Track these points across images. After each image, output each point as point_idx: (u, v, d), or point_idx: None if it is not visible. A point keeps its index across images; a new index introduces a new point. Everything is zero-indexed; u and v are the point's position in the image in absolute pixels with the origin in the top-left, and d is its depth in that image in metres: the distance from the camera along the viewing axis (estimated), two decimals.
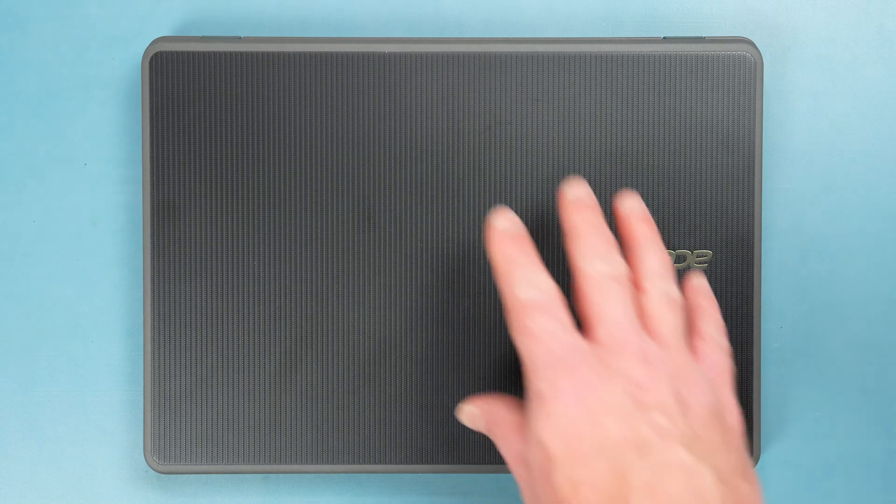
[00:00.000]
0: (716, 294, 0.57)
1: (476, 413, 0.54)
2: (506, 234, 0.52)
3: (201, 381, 0.58)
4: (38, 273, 0.61)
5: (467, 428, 0.57)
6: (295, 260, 0.58)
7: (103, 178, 0.61)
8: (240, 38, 0.59)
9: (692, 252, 0.58)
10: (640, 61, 0.58)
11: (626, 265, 0.51)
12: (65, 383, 0.61)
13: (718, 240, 0.58)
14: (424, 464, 0.58)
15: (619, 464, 0.46)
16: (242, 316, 0.58)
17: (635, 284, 0.52)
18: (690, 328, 0.54)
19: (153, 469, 0.59)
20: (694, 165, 0.58)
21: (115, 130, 0.61)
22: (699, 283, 0.55)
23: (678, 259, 0.58)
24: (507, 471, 0.58)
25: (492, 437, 0.54)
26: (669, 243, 0.58)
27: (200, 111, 0.58)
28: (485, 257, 0.58)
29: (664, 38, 0.59)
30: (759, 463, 0.60)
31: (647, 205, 0.58)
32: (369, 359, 0.58)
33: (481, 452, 0.58)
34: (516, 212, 0.57)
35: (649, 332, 0.50)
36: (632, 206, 0.54)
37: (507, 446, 0.52)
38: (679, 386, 0.48)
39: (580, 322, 0.51)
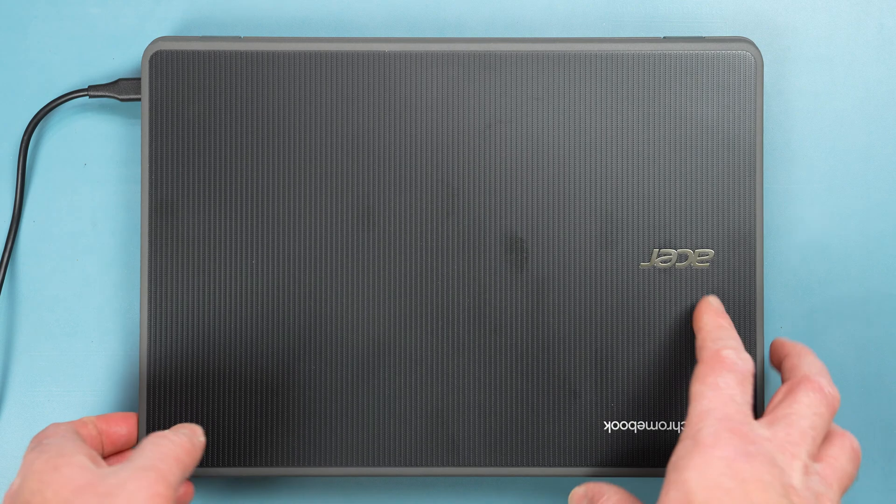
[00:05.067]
0: (717, 293, 0.57)
1: (580, 491, 0.56)
2: (720, 310, 0.56)
3: (198, 384, 0.58)
4: (38, 273, 0.61)
5: (467, 429, 0.57)
6: (294, 259, 0.58)
7: (103, 178, 0.61)
8: (240, 38, 0.59)
9: (694, 251, 0.58)
10: (640, 61, 0.58)
11: None
12: (65, 383, 0.61)
13: (720, 239, 0.58)
14: (424, 466, 0.58)
15: None
16: (240, 316, 0.58)
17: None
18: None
19: None
20: (695, 164, 0.58)
21: (114, 130, 0.61)
22: None
23: (680, 258, 0.58)
24: (506, 473, 0.58)
25: None
26: (671, 242, 0.58)
27: (200, 110, 0.58)
28: (485, 256, 0.58)
29: (664, 37, 0.59)
30: None
31: (649, 204, 0.58)
32: (369, 360, 0.58)
33: (482, 454, 0.58)
34: (517, 211, 0.57)
35: (818, 454, 0.51)
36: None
37: None
38: None
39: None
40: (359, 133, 0.58)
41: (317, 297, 0.58)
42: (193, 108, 0.58)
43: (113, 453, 0.57)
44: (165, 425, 0.58)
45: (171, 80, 0.58)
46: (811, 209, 0.62)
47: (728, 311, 0.57)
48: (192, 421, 0.58)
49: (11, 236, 0.61)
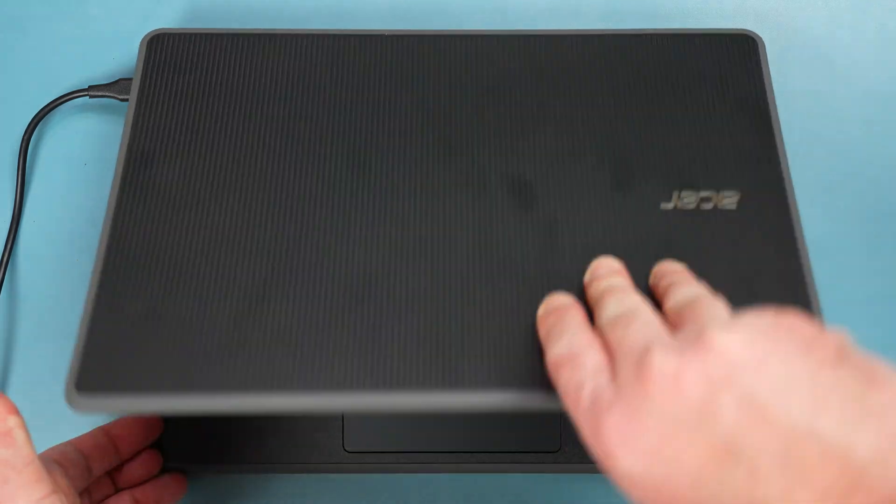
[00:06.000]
0: (749, 236, 0.52)
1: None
2: (548, 310, 0.50)
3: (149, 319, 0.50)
4: (38, 273, 0.61)
5: (469, 351, 0.50)
6: (287, 211, 0.53)
7: (103, 178, 0.61)
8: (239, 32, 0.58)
9: (718, 192, 0.54)
10: (645, 42, 0.57)
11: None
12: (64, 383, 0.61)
13: (745, 182, 0.54)
14: (422, 390, 0.49)
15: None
16: (213, 258, 0.52)
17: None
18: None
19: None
20: (711, 121, 0.55)
21: (114, 130, 0.61)
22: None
23: (703, 201, 0.53)
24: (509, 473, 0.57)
25: None
26: (692, 184, 0.54)
27: (190, 79, 0.56)
28: (491, 201, 0.53)
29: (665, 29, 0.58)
30: None
31: (666, 147, 0.55)
32: (363, 295, 0.51)
33: (484, 377, 0.49)
34: (515, 173, 0.54)
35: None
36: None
37: None
38: None
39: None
40: (353, 103, 0.56)
41: (311, 246, 0.52)
42: (183, 76, 0.56)
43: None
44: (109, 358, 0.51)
45: (166, 56, 0.56)
46: (811, 209, 0.62)
47: (765, 255, 0.52)
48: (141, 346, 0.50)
49: (11, 236, 0.61)
